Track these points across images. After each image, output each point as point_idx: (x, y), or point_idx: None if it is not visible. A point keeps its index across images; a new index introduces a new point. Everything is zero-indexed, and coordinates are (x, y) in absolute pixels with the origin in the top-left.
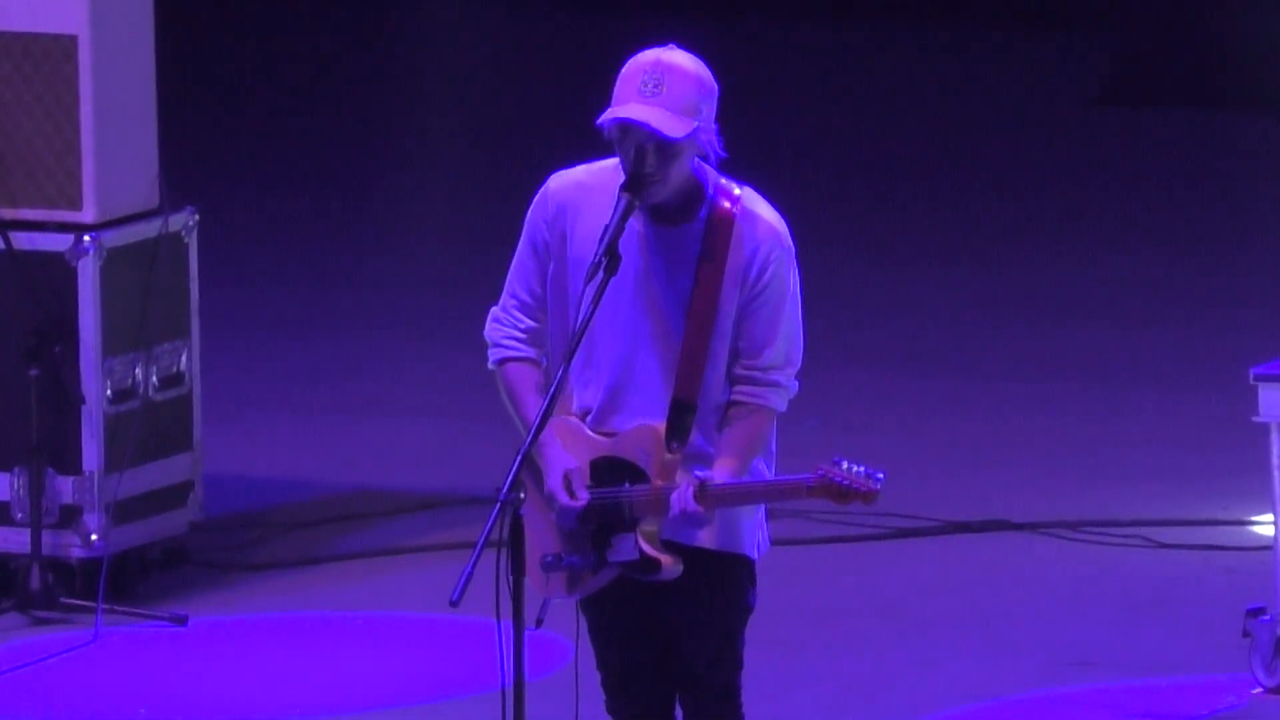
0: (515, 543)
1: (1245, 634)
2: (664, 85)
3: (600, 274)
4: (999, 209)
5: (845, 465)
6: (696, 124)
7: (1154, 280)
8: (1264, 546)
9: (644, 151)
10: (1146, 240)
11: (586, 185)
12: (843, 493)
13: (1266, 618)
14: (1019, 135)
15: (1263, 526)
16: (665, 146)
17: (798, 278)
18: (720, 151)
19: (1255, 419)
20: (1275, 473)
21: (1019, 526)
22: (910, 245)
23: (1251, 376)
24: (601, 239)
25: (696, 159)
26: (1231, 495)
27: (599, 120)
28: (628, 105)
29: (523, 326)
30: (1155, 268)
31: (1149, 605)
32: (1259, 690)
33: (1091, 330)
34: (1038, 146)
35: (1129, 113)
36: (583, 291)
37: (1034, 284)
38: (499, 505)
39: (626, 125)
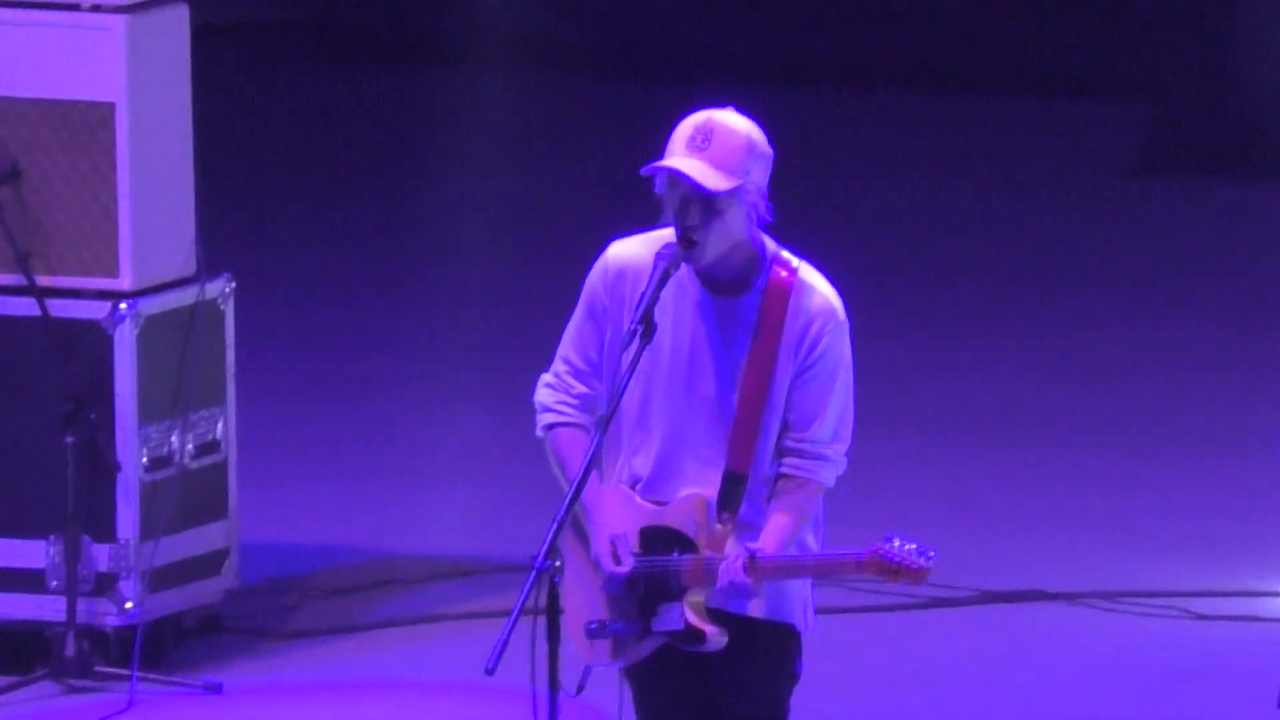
0: (551, 611)
1: None
2: (711, 141)
3: (636, 341)
4: (1036, 276)
5: (897, 542)
6: (740, 183)
7: (1191, 348)
8: None
9: (687, 205)
10: (1184, 309)
11: (645, 253)
12: (894, 570)
13: None
14: (1058, 203)
15: None
16: (707, 201)
17: (851, 354)
18: (766, 216)
19: None
20: None
21: (1054, 596)
22: (946, 311)
23: None
24: (637, 306)
25: (755, 230)
26: (1267, 566)
27: (642, 169)
28: (673, 157)
29: (575, 392)
30: (1193, 336)
31: (1185, 676)
32: None
33: (1128, 398)
34: (1076, 215)
35: (1168, 182)
36: (618, 359)
37: (1071, 351)
38: (534, 574)
39: (674, 179)
